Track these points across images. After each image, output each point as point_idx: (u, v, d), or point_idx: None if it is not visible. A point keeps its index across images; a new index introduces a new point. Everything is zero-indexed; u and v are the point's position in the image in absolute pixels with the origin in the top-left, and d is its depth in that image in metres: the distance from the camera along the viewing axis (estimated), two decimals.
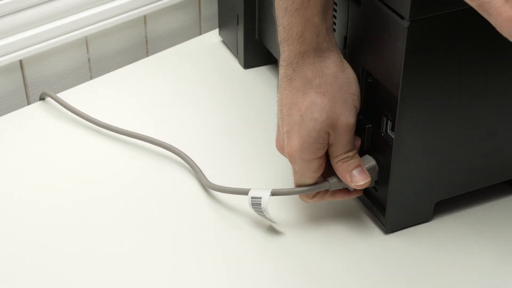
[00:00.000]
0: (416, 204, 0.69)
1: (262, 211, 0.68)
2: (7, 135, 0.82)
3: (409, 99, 0.62)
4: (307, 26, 0.63)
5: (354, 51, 0.67)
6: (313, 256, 0.68)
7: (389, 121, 0.65)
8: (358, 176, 0.67)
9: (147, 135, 0.80)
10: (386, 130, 0.66)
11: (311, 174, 0.67)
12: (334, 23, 0.70)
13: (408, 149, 0.65)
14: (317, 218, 0.72)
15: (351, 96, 0.65)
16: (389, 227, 0.70)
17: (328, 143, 0.66)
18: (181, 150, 0.77)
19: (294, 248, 0.69)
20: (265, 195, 0.68)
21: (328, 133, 0.65)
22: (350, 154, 0.67)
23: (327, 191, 0.70)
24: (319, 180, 0.69)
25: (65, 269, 0.67)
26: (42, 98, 0.86)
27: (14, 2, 0.83)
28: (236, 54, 0.92)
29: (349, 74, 0.65)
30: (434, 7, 0.59)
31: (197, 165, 0.75)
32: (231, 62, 0.92)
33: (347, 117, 0.65)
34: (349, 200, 0.73)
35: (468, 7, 0.60)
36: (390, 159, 0.65)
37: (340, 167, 0.67)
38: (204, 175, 0.74)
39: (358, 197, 0.72)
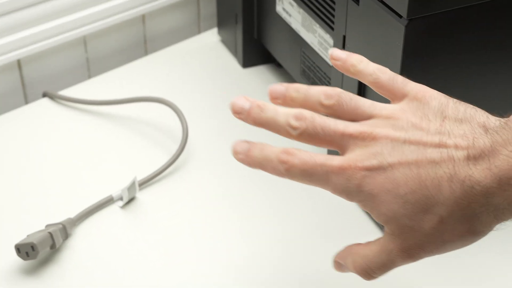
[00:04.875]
0: None
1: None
2: (7, 134, 0.81)
3: None
4: None
5: (353, 50, 0.67)
6: (312, 256, 0.68)
7: None
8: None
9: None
10: None
11: None
12: (333, 22, 0.70)
13: None
14: (316, 217, 0.72)
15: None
16: None
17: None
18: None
19: (293, 248, 0.69)
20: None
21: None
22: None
23: None
24: None
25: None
26: (44, 96, 0.87)
27: (12, 1, 0.83)
28: (235, 53, 0.92)
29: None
30: (432, 6, 0.58)
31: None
32: (230, 61, 0.92)
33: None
34: None
35: (467, 6, 0.60)
36: None
37: None
38: None
39: None
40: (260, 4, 0.86)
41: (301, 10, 0.77)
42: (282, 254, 0.68)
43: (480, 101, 0.65)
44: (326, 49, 0.74)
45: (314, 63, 0.77)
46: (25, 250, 0.64)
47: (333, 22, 0.70)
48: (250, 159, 0.52)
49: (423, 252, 0.50)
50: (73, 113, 0.84)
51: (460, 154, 0.47)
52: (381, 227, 0.70)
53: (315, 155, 0.50)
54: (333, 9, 0.70)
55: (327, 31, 0.72)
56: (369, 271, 0.52)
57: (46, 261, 0.67)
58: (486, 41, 0.62)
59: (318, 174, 0.49)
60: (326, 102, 0.51)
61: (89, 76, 0.94)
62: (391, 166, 0.48)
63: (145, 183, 0.75)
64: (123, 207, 0.73)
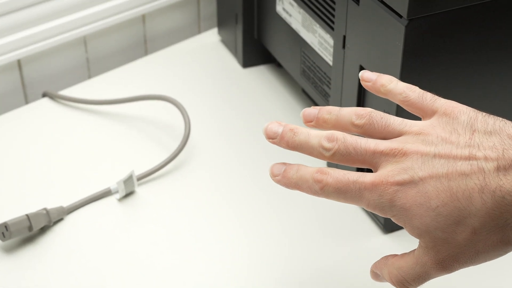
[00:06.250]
0: None
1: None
2: (7, 134, 0.81)
3: None
4: None
5: (353, 50, 0.67)
6: (312, 255, 0.68)
7: None
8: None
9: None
10: None
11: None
12: (333, 22, 0.70)
13: None
14: (316, 217, 0.72)
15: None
16: (388, 227, 0.70)
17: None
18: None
19: (293, 248, 0.69)
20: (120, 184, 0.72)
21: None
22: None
23: None
24: None
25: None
26: (44, 96, 0.87)
27: (12, 1, 0.83)
28: (235, 53, 0.92)
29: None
30: (432, 6, 0.58)
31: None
32: (230, 61, 0.92)
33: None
34: None
35: (467, 5, 0.60)
36: None
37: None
38: None
39: None
40: (260, 4, 0.86)
41: (301, 10, 0.77)
42: (282, 252, 0.68)
43: (480, 101, 0.65)
44: (326, 49, 0.74)
45: (314, 63, 0.77)
46: (1, 230, 0.68)
47: (333, 22, 0.70)
48: (287, 179, 0.53)
49: (457, 264, 0.51)
50: (73, 113, 0.84)
51: (490, 165, 0.48)
52: (381, 226, 0.70)
53: (348, 173, 0.51)
54: (333, 9, 0.70)
55: (327, 31, 0.72)
56: (405, 283, 0.53)
57: (29, 243, 0.69)
58: (486, 41, 0.62)
59: (352, 191, 0.51)
60: (358, 121, 0.53)
61: (89, 76, 0.94)
62: (422, 180, 0.49)
63: (144, 177, 0.75)
64: (120, 200, 0.73)
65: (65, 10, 0.88)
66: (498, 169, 0.48)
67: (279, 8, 0.81)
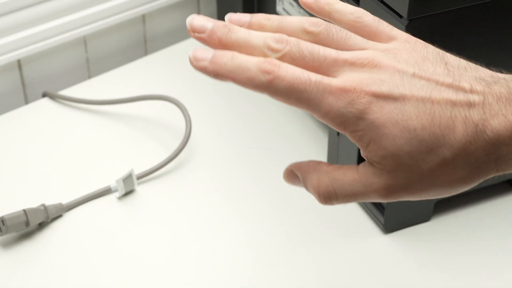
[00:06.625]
0: (416, 203, 0.69)
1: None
2: (7, 134, 0.81)
3: None
4: None
5: None
6: (312, 255, 0.68)
7: None
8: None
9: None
10: None
11: None
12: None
13: None
14: (316, 217, 0.72)
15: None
16: (388, 227, 0.70)
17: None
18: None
19: (293, 248, 0.69)
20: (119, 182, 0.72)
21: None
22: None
23: None
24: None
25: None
26: (44, 96, 0.87)
27: (12, 1, 0.83)
28: None
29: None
30: (432, 6, 0.58)
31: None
32: None
33: None
34: None
35: (467, 5, 0.60)
36: None
37: None
38: None
39: None
40: (260, 4, 0.86)
41: (301, 10, 0.77)
42: (282, 252, 0.68)
43: None
44: None
45: None
46: None
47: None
48: (217, 65, 0.43)
49: (404, 193, 0.45)
50: (73, 113, 0.84)
51: (476, 98, 0.44)
52: (381, 226, 0.70)
53: (306, 70, 0.43)
54: None
55: None
56: (333, 196, 0.46)
57: (26, 239, 0.69)
58: (486, 41, 0.62)
59: (310, 92, 0.43)
60: (312, 28, 0.45)
61: (89, 76, 0.94)
62: (403, 97, 0.43)
63: (144, 176, 0.75)
64: (120, 198, 0.73)
65: (65, 10, 0.88)
66: (484, 103, 0.43)
67: (279, 8, 0.81)
